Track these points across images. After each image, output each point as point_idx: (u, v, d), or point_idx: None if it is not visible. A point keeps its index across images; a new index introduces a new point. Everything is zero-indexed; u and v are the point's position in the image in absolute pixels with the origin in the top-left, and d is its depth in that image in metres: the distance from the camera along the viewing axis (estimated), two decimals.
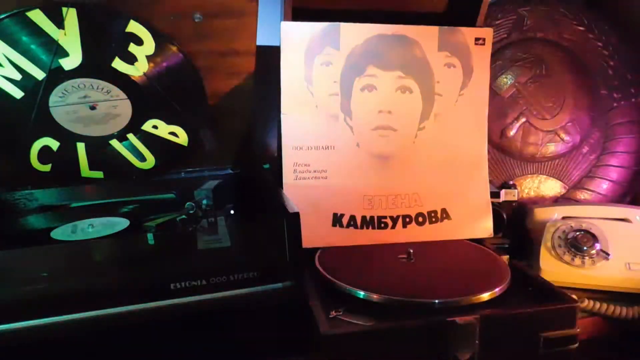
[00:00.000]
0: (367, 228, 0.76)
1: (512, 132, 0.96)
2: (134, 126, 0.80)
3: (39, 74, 0.73)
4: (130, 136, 0.81)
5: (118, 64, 0.76)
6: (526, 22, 0.95)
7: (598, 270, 0.77)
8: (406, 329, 0.54)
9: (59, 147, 0.78)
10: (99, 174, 0.81)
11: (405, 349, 0.54)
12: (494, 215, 0.80)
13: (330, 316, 0.56)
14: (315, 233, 0.73)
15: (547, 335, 0.56)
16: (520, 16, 0.95)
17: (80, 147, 0.79)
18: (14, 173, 0.79)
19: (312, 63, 0.74)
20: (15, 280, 0.52)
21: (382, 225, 0.77)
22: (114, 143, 0.81)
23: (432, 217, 0.78)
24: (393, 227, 0.77)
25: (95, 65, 0.75)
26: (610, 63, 0.98)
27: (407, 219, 0.78)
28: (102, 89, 0.76)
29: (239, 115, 0.87)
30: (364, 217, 0.76)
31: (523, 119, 0.96)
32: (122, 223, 0.64)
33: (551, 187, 0.98)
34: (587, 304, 0.72)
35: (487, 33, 0.79)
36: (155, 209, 0.71)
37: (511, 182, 0.93)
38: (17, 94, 0.74)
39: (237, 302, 0.58)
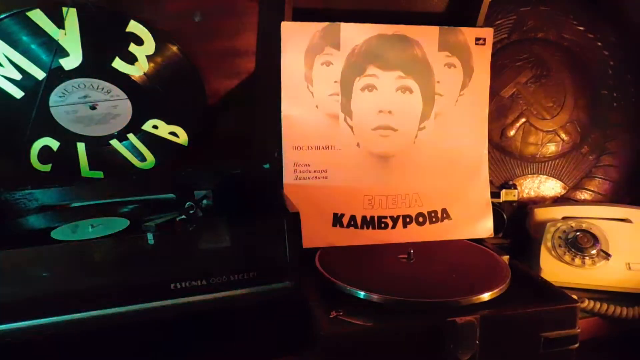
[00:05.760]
0: (368, 228, 0.76)
1: (512, 132, 0.96)
2: (134, 126, 0.80)
3: (39, 74, 0.73)
4: (130, 136, 0.81)
5: (118, 64, 0.76)
6: (526, 22, 0.95)
7: (598, 270, 0.77)
8: (406, 329, 0.54)
9: (59, 147, 0.78)
10: (99, 174, 0.81)
11: (405, 349, 0.54)
12: (494, 215, 0.80)
13: (330, 316, 0.56)
14: (315, 233, 0.73)
15: (547, 335, 0.56)
16: (521, 16, 0.95)
17: (80, 147, 0.79)
18: (14, 173, 0.79)
19: (312, 63, 0.74)
20: (15, 280, 0.52)
21: (383, 225, 0.77)
22: (114, 143, 0.81)
23: (433, 217, 0.78)
24: (393, 227, 0.77)
25: (96, 65, 0.75)
26: (610, 63, 0.98)
27: (408, 219, 0.78)
28: (102, 88, 0.76)
29: (239, 115, 0.87)
30: (364, 217, 0.76)
31: (523, 119, 0.96)
32: (122, 223, 0.64)
33: (551, 187, 0.98)
34: (587, 304, 0.72)
35: (488, 33, 0.79)
36: (155, 209, 0.71)
37: (511, 182, 0.94)
38: (17, 94, 0.74)
39: (237, 302, 0.58)
